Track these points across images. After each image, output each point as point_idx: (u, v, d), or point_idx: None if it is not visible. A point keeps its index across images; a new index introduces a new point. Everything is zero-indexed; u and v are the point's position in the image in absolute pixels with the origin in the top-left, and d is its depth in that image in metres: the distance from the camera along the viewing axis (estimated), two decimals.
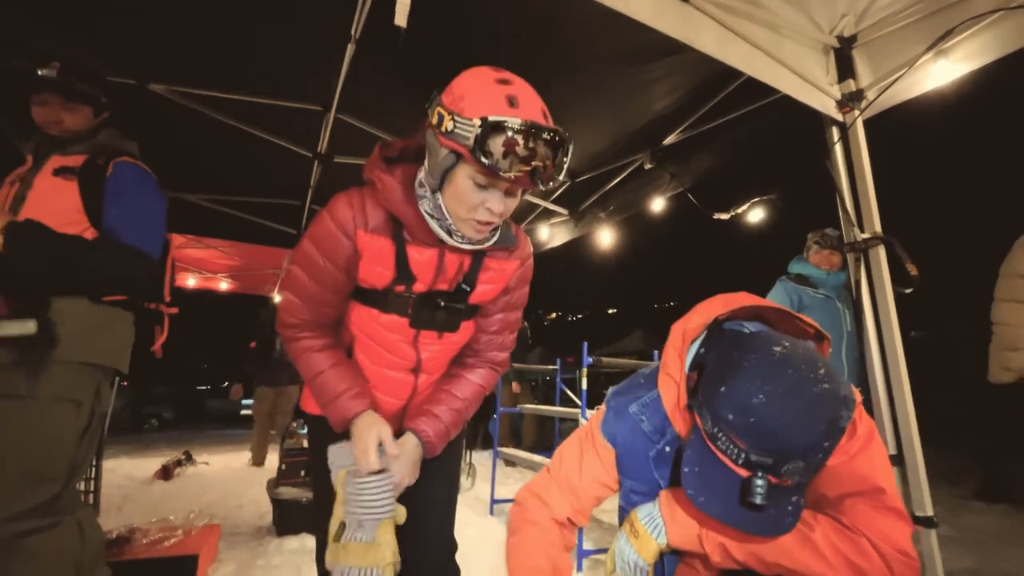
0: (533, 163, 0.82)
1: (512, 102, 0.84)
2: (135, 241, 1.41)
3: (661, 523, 0.89)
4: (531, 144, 0.81)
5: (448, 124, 0.84)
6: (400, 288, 1.02)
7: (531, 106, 0.86)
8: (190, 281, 5.80)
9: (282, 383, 5.04)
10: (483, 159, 0.81)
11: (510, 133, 0.80)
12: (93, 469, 3.26)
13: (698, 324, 0.93)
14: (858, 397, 0.89)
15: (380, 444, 1.01)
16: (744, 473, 0.75)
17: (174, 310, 1.66)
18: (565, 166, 0.87)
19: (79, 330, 1.35)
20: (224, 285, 6.11)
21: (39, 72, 1.42)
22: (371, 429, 1.01)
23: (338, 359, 1.07)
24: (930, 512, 1.49)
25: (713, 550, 0.84)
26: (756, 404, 0.72)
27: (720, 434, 0.76)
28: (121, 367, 1.46)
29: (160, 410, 12.44)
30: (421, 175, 0.98)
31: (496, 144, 0.81)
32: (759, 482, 0.73)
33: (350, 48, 2.05)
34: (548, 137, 0.82)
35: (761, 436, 0.72)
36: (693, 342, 0.94)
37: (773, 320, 0.95)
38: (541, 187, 0.87)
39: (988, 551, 2.93)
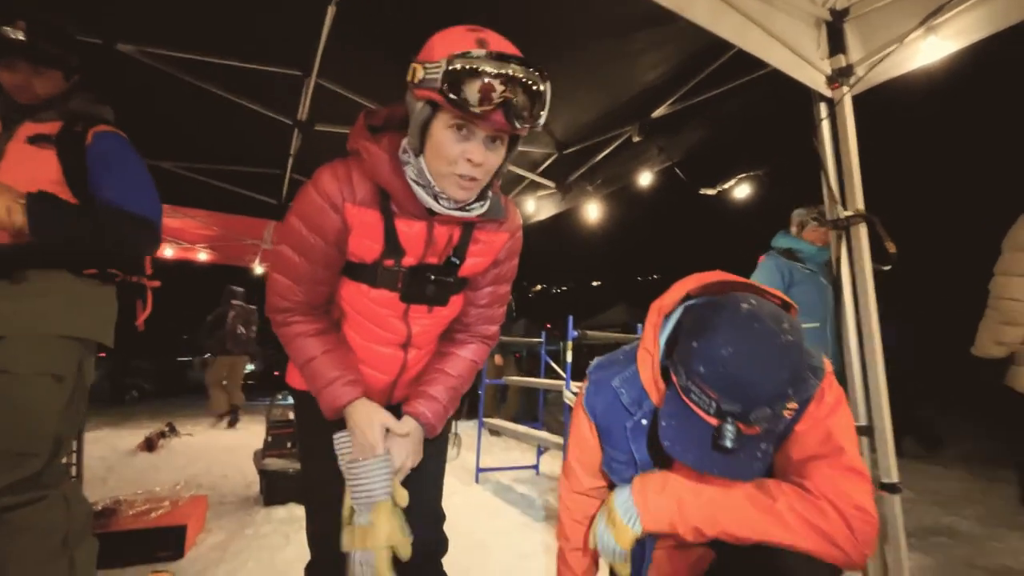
0: (504, 95, 0.79)
1: (482, 43, 0.81)
2: (142, 211, 1.38)
3: (635, 512, 0.94)
4: (501, 77, 0.78)
5: (419, 73, 0.82)
6: (389, 262, 1.00)
7: (501, 45, 0.83)
8: (167, 252, 5.66)
9: (234, 353, 5.74)
10: (451, 95, 0.78)
11: (477, 67, 0.77)
12: (75, 442, 3.24)
13: (673, 300, 0.98)
14: (828, 367, 0.95)
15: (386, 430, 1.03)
16: (715, 422, 0.81)
17: (156, 283, 1.63)
18: (545, 105, 0.84)
19: (61, 303, 1.32)
20: (203, 256, 5.97)
21: (4, 35, 1.33)
22: (371, 420, 1.01)
23: (331, 345, 1.05)
24: (895, 479, 1.56)
25: (687, 532, 0.89)
26: (725, 356, 0.79)
27: (693, 387, 0.83)
28: (105, 341, 1.43)
29: (140, 381, 12.29)
30: (404, 141, 0.95)
31: (464, 82, 0.78)
32: (729, 428, 0.79)
33: (331, 10, 1.96)
34: (519, 68, 0.79)
35: (730, 386, 0.78)
36: (668, 317, 0.99)
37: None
38: (519, 127, 0.82)
39: (944, 511, 3.12)
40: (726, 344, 0.79)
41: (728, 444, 0.79)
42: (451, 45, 0.81)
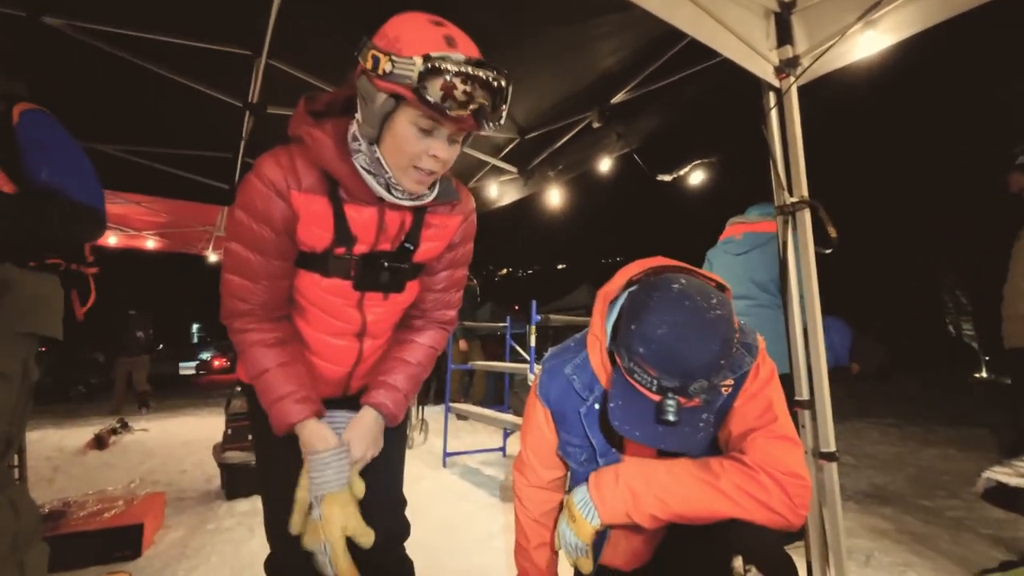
0: (478, 101, 0.81)
1: (450, 42, 0.82)
2: (86, 197, 1.31)
3: (593, 507, 0.98)
4: (474, 82, 0.80)
5: (386, 65, 0.80)
6: (340, 250, 0.99)
7: (469, 46, 0.85)
8: (111, 240, 5.35)
9: (135, 354, 6.76)
10: (428, 98, 0.78)
11: (452, 71, 0.78)
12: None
13: (617, 286, 1.02)
14: (761, 344, 1.02)
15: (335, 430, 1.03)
16: (657, 398, 0.86)
17: (94, 270, 1.55)
18: (507, 106, 0.86)
19: (6, 298, 1.25)
20: (151, 244, 5.69)
21: None
22: (324, 441, 1.00)
23: (285, 357, 1.02)
24: (833, 448, 1.68)
25: (643, 519, 0.95)
26: (660, 335, 0.84)
27: (635, 367, 0.87)
28: (53, 334, 1.37)
29: (86, 375, 11.66)
30: (354, 128, 0.93)
31: (437, 84, 0.79)
32: (670, 402, 0.84)
33: None
34: (490, 75, 0.81)
35: (667, 362, 0.83)
36: (613, 303, 1.04)
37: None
38: (486, 129, 0.85)
39: (879, 474, 3.38)
40: (660, 324, 0.84)
41: (671, 418, 0.84)
42: (422, 42, 0.80)
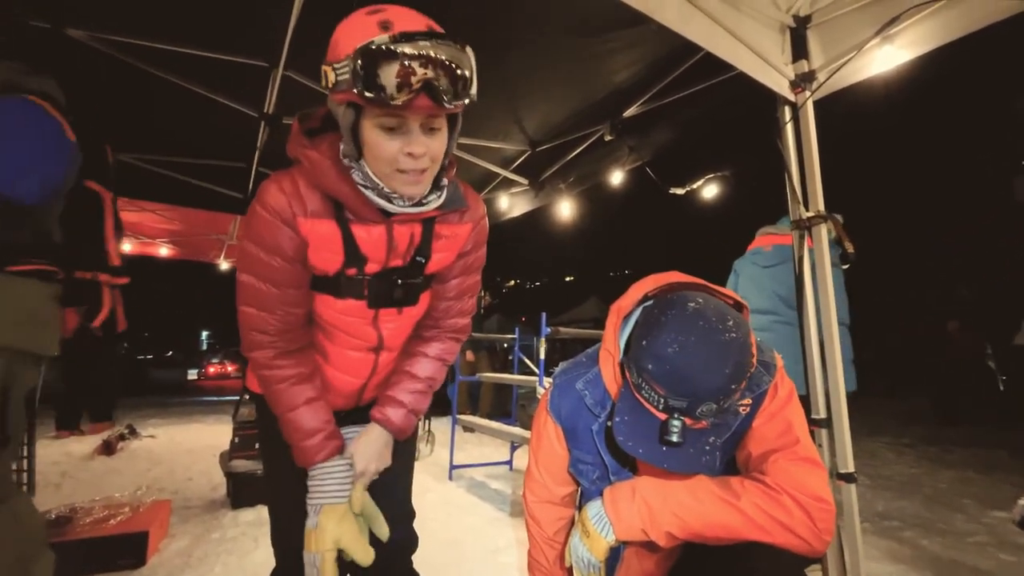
0: (422, 78, 0.72)
1: (385, 25, 0.75)
2: None
3: (608, 523, 0.95)
4: (412, 60, 0.72)
5: (331, 76, 0.76)
6: (352, 271, 0.96)
7: (409, 22, 0.76)
8: (125, 246, 5.42)
9: None
10: (368, 94, 0.72)
11: (382, 54, 0.71)
12: (26, 447, 3.08)
13: (631, 301, 1.00)
14: (779, 362, 0.99)
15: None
16: (663, 417, 0.84)
17: (122, 280, 1.49)
18: (472, 73, 0.77)
19: None
20: (164, 251, 5.75)
21: None
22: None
23: (312, 393, 1.01)
24: (852, 469, 1.64)
25: (659, 537, 0.92)
26: (671, 353, 0.82)
27: (643, 383, 0.86)
28: (38, 349, 1.28)
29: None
30: (343, 146, 0.88)
31: (375, 75, 0.72)
32: (675, 423, 0.82)
33: (298, 0, 1.91)
34: (428, 44, 0.72)
35: (675, 381, 0.82)
36: (627, 318, 1.02)
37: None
38: (449, 106, 0.77)
39: (896, 496, 3.29)
40: (672, 342, 0.82)
41: (674, 439, 0.82)
42: (353, 36, 0.75)
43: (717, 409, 0.83)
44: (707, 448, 0.86)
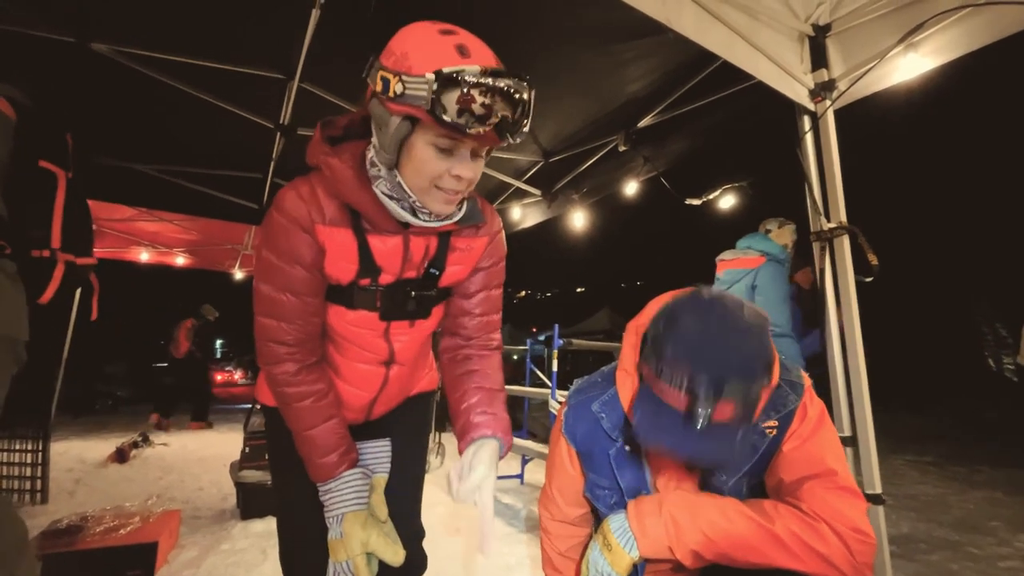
0: (499, 114, 0.74)
1: (463, 51, 0.75)
2: None
3: (632, 537, 0.91)
4: (493, 94, 0.73)
5: (396, 87, 0.74)
6: (366, 282, 0.95)
7: (484, 54, 0.78)
8: (143, 256, 5.51)
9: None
10: (444, 118, 0.72)
11: (469, 85, 0.71)
12: (40, 455, 3.11)
13: (648, 318, 0.96)
14: (807, 382, 0.94)
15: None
16: (686, 400, 0.79)
17: (90, 260, 1.43)
18: (530, 115, 0.78)
19: None
20: (180, 260, 5.83)
21: None
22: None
23: (331, 412, 1.01)
24: (879, 490, 1.58)
25: (684, 556, 0.87)
26: (693, 333, 0.81)
27: (664, 368, 0.82)
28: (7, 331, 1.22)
29: (113, 388, 11.89)
30: (371, 153, 0.87)
31: (453, 100, 0.72)
32: (700, 410, 0.78)
33: (315, 13, 1.92)
34: (510, 84, 0.73)
35: (699, 356, 0.79)
36: (646, 336, 0.96)
37: None
38: (510, 141, 0.78)
39: (921, 517, 3.17)
40: (693, 325, 0.81)
41: (699, 426, 0.78)
42: (433, 56, 0.74)
43: (744, 390, 0.77)
44: (731, 442, 0.81)
